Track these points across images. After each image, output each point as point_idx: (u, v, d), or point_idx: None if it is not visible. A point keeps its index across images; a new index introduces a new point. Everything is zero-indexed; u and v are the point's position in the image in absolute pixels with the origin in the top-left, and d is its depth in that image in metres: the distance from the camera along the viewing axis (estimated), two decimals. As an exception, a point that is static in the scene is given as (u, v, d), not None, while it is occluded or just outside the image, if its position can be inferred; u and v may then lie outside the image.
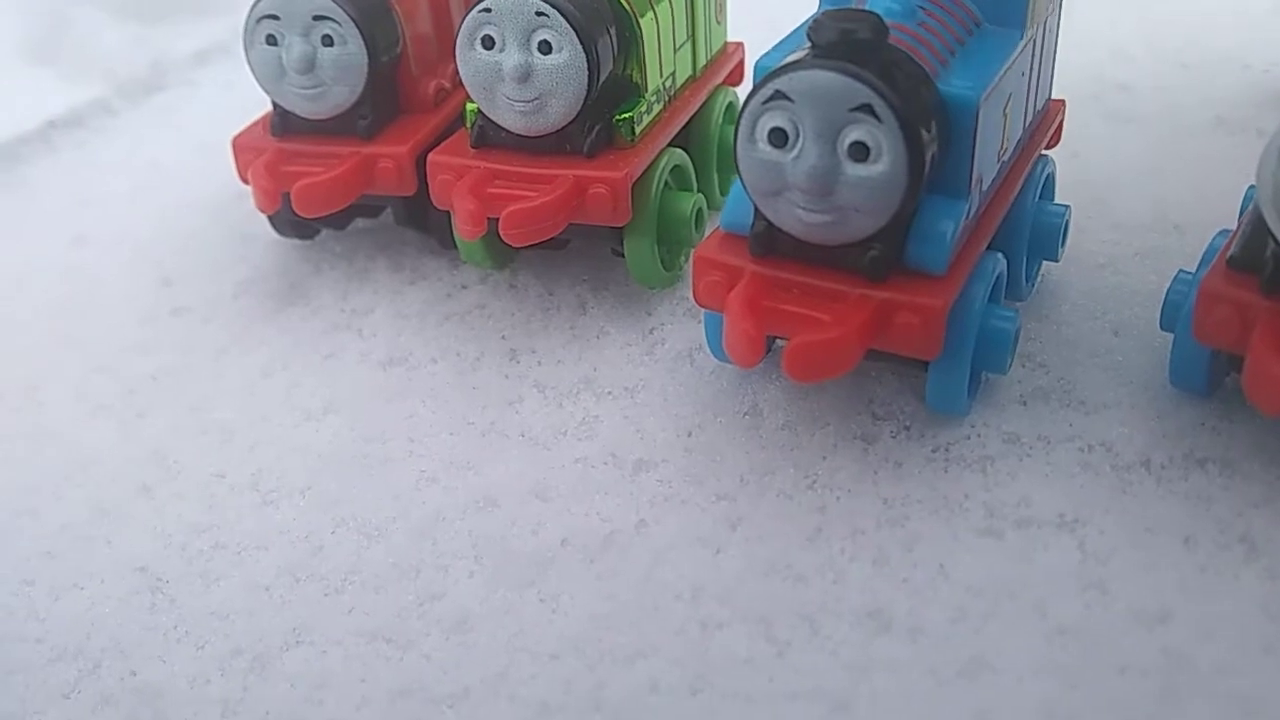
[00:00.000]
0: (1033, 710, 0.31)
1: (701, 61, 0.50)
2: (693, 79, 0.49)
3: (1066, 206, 0.44)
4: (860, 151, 0.34)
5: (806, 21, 0.38)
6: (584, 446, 0.40)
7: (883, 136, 0.33)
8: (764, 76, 0.35)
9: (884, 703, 0.31)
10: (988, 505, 0.36)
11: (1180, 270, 0.39)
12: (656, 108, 0.46)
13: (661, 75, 0.46)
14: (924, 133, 0.34)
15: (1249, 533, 0.35)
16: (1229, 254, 0.35)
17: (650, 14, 0.45)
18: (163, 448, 0.42)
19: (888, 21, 0.36)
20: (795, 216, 0.35)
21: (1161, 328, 0.39)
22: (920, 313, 0.35)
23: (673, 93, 0.47)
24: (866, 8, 0.37)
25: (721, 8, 0.52)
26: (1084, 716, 0.30)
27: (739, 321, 0.35)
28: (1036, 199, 0.43)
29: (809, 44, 0.34)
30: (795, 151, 0.34)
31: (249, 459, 0.41)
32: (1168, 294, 0.39)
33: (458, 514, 0.37)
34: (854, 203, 0.34)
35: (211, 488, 0.40)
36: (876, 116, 0.33)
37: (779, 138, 0.34)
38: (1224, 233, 0.39)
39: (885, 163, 0.34)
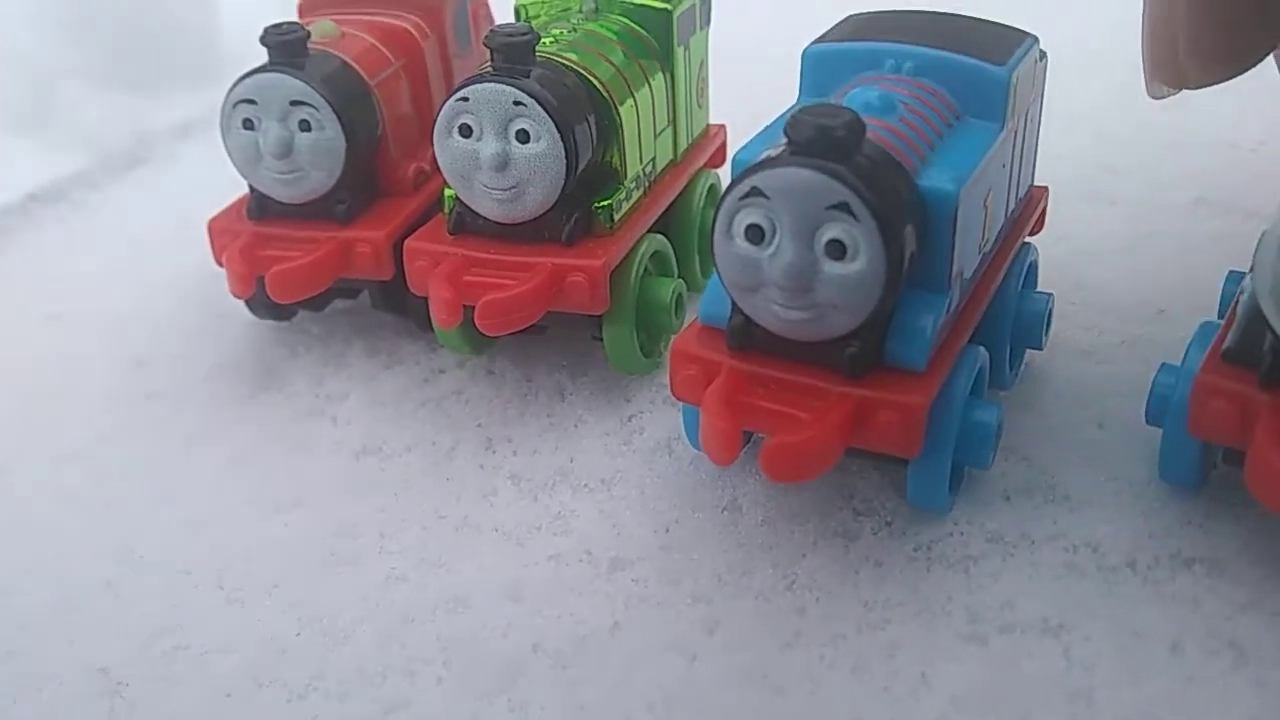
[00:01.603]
0: (1017, 831, 0.29)
1: (683, 145, 0.50)
2: (674, 163, 0.49)
3: (1049, 295, 0.44)
4: (837, 250, 0.33)
5: (787, 111, 0.38)
6: (559, 542, 0.39)
7: (860, 235, 0.33)
8: (741, 171, 0.34)
9: (864, 823, 0.30)
10: (970, 609, 0.35)
11: (1164, 363, 0.39)
12: (636, 194, 0.45)
13: (641, 161, 0.46)
14: (901, 230, 0.33)
15: (1237, 638, 0.34)
16: (1224, 347, 0.34)
17: (630, 101, 0.45)
18: (129, 541, 0.41)
19: (866, 117, 0.36)
20: (773, 312, 0.35)
21: (1148, 421, 0.38)
22: (900, 411, 0.34)
23: (653, 178, 0.47)
24: (845, 102, 0.37)
25: (703, 91, 0.51)
26: (1070, 838, 0.29)
27: (715, 419, 0.34)
28: (1019, 288, 0.42)
29: (786, 140, 0.34)
30: (772, 248, 0.34)
31: (215, 554, 0.40)
32: (1153, 387, 0.38)
33: (427, 615, 0.36)
34: (832, 300, 0.34)
35: (176, 585, 0.39)
36: (853, 215, 0.33)
37: (756, 234, 0.34)
38: (1208, 323, 0.38)
39: (863, 261, 0.33)
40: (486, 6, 0.55)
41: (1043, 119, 0.44)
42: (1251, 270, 0.34)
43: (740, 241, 0.34)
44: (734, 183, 0.34)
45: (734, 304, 0.36)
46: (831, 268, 0.33)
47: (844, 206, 0.33)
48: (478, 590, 0.37)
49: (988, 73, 0.38)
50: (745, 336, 0.36)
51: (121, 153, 0.71)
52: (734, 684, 0.34)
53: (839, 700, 0.33)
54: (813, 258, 0.33)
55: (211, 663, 0.36)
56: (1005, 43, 0.39)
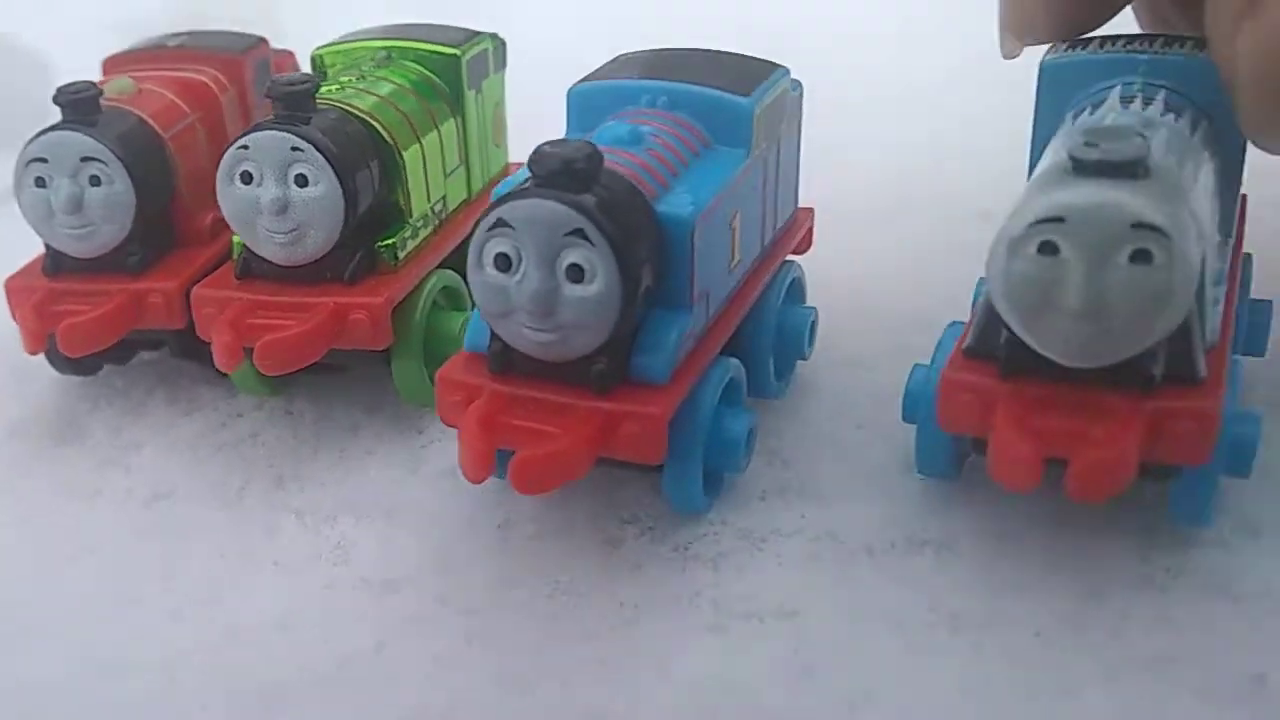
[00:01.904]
0: (743, 807, 0.31)
1: (477, 185, 0.52)
2: (468, 201, 0.51)
3: (813, 309, 0.46)
4: (577, 273, 0.35)
5: None
6: (335, 571, 0.40)
7: (596, 259, 0.35)
8: (490, 205, 0.36)
9: (599, 810, 0.31)
10: (716, 601, 0.37)
11: (916, 363, 0.41)
12: (424, 232, 0.47)
13: (430, 200, 0.48)
14: (637, 253, 0.35)
15: (957, 610, 0.36)
16: (965, 344, 0.37)
17: (415, 146, 0.46)
18: (-88, 595, 0.41)
19: (615, 149, 0.38)
20: (524, 336, 0.36)
21: (904, 419, 0.40)
22: (642, 422, 0.36)
23: (444, 216, 0.49)
24: (598, 136, 0.39)
25: (500, 131, 0.53)
26: (791, 810, 0.31)
27: (468, 439, 0.36)
28: (780, 303, 0.44)
29: (530, 173, 0.36)
30: (519, 275, 0.36)
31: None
32: (907, 386, 0.40)
33: (199, 649, 0.37)
34: (575, 321, 0.36)
35: (-44, 636, 0.39)
36: (589, 240, 0.35)
37: (504, 263, 0.36)
38: (955, 323, 0.40)
39: (600, 283, 0.35)
40: (292, 58, 0.56)
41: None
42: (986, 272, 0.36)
43: (490, 270, 0.36)
44: (482, 215, 0.36)
45: (492, 330, 0.38)
46: (572, 290, 0.35)
47: (580, 233, 0.35)
48: (250, 623, 0.38)
49: (733, 104, 0.41)
50: (504, 361, 0.38)
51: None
52: (489, 689, 0.35)
53: (583, 694, 0.34)
54: (555, 282, 0.35)
55: (-15, 707, 0.36)
56: (754, 75, 0.42)
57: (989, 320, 0.36)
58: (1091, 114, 0.38)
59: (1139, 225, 0.32)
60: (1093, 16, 0.43)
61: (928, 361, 0.40)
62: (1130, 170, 0.32)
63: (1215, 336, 0.36)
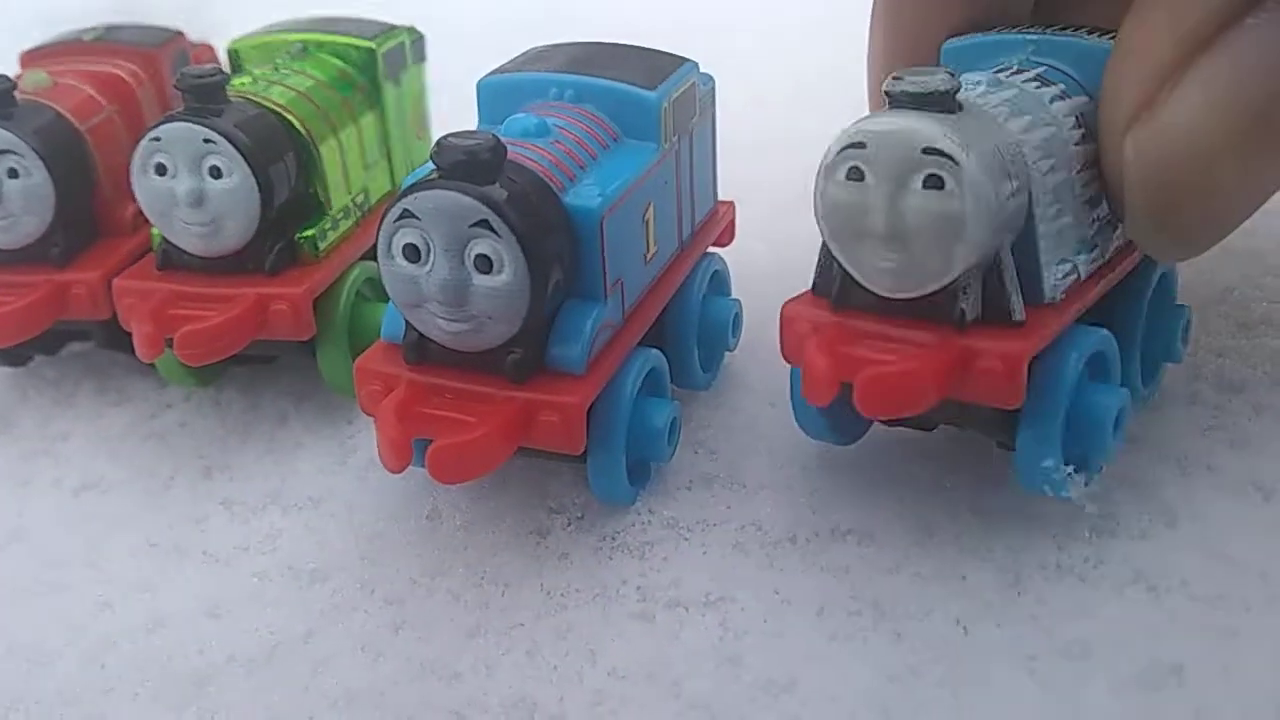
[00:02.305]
0: (657, 786, 0.32)
1: (400, 176, 0.52)
2: (390, 193, 0.51)
3: (737, 301, 0.47)
4: (485, 264, 0.36)
5: None
6: (263, 561, 0.40)
7: (503, 249, 0.35)
8: (396, 195, 0.37)
9: (519, 791, 0.32)
10: (642, 589, 0.38)
11: None
12: (345, 224, 0.47)
13: (350, 192, 0.48)
14: (544, 244, 0.36)
15: (879, 598, 0.37)
16: (813, 282, 0.38)
17: (331, 140, 0.47)
18: None
19: (521, 141, 0.39)
20: (437, 326, 0.37)
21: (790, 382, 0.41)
22: (559, 410, 0.37)
23: (366, 208, 0.49)
24: (505, 128, 0.40)
25: (422, 125, 0.54)
26: (704, 788, 0.32)
27: (386, 429, 0.37)
28: (702, 295, 0.45)
29: (434, 165, 0.36)
30: (428, 266, 0.36)
31: (-77, 595, 0.40)
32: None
33: (128, 637, 0.38)
34: (486, 311, 0.36)
35: (-119, 628, 0.39)
36: (495, 231, 0.35)
37: (412, 253, 0.36)
38: None
39: (508, 273, 0.36)
40: (211, 51, 0.56)
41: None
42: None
43: (400, 260, 0.37)
44: (389, 206, 0.36)
45: (407, 321, 0.38)
46: (481, 280, 0.36)
47: (485, 224, 0.35)
48: (180, 611, 0.39)
49: (640, 98, 0.41)
50: (420, 350, 0.38)
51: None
52: (415, 676, 0.36)
53: (510, 682, 0.35)
54: (465, 273, 0.36)
55: (-89, 698, 0.37)
56: (662, 69, 0.43)
57: (826, 256, 0.38)
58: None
59: (930, 150, 0.33)
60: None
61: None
62: (933, 102, 0.34)
63: (1056, 295, 0.36)
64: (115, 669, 0.37)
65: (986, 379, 0.35)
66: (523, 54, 0.45)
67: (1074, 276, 0.37)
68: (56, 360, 0.52)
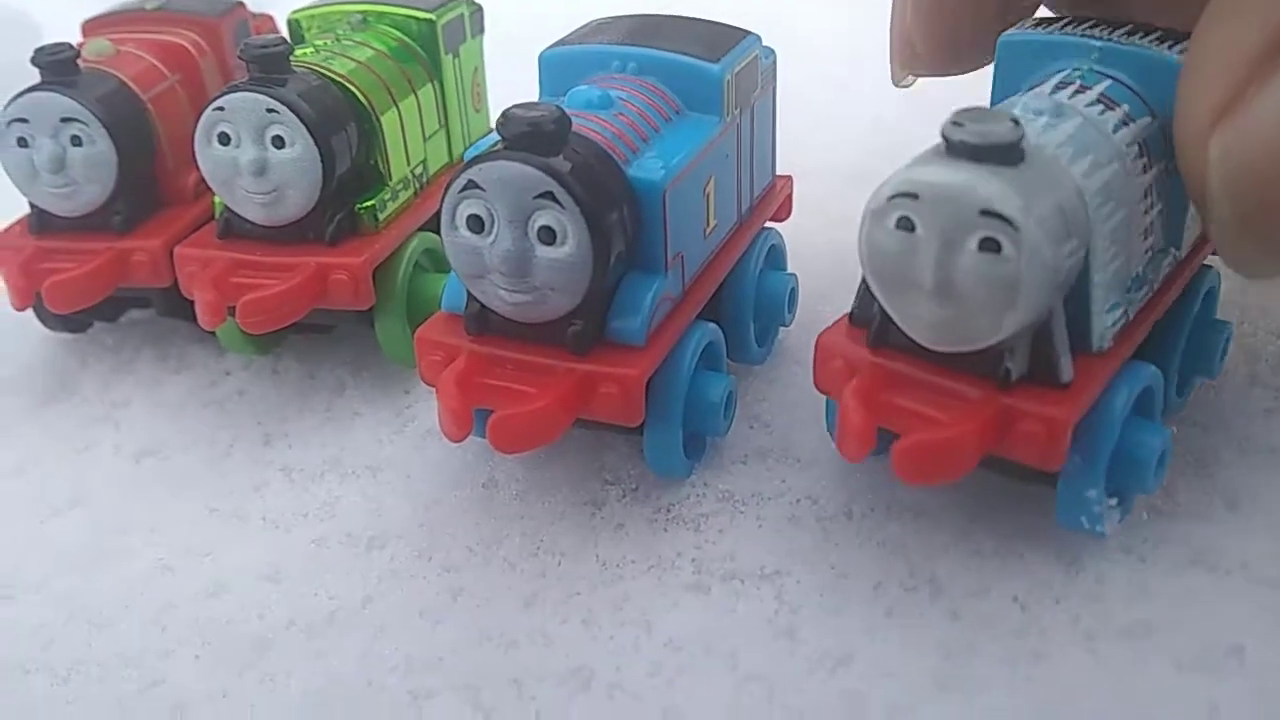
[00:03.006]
0: (715, 756, 0.32)
1: (459, 149, 0.52)
2: (449, 165, 0.51)
3: (793, 275, 0.47)
4: (548, 235, 0.36)
5: None
6: (322, 527, 0.41)
7: (567, 221, 0.35)
8: (461, 167, 0.37)
9: (577, 758, 0.32)
10: (697, 561, 0.38)
11: None
12: (404, 194, 0.48)
13: (410, 164, 0.48)
14: (608, 216, 0.36)
15: (936, 574, 0.37)
16: (850, 312, 0.37)
17: (392, 110, 0.47)
18: (-93, 551, 0.42)
19: (584, 113, 0.39)
20: (499, 297, 0.37)
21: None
22: (619, 383, 0.37)
23: (425, 180, 0.49)
24: (568, 100, 0.40)
25: (480, 97, 0.54)
26: (762, 759, 0.32)
27: (446, 399, 0.37)
28: (759, 270, 0.45)
29: (500, 136, 0.36)
30: (492, 237, 0.36)
31: (-10, 556, 0.41)
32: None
33: (188, 601, 0.38)
34: (548, 282, 0.36)
35: (-50, 587, 0.40)
36: (559, 203, 0.35)
37: (476, 224, 0.36)
38: None
39: (571, 245, 0.36)
40: (272, 21, 0.56)
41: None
42: None
43: (463, 231, 0.37)
44: (453, 177, 0.37)
45: (469, 292, 0.38)
46: (544, 252, 0.36)
47: (550, 195, 0.35)
48: (239, 576, 0.39)
49: (703, 70, 0.41)
50: (481, 321, 0.39)
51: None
52: (473, 643, 0.36)
53: (567, 651, 0.35)
54: (528, 244, 0.36)
55: (-22, 657, 0.37)
56: (724, 42, 0.42)
57: (866, 290, 0.36)
58: (1019, 96, 0.37)
59: (988, 213, 0.31)
60: (970, 55, 0.43)
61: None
62: (996, 155, 0.31)
63: (1104, 344, 0.35)
64: (176, 632, 0.37)
65: (1028, 441, 0.33)
66: (584, 26, 0.45)
67: (1124, 321, 0.36)
68: (116, 328, 0.53)
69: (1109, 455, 0.35)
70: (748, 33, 0.44)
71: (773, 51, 0.46)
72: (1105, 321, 0.35)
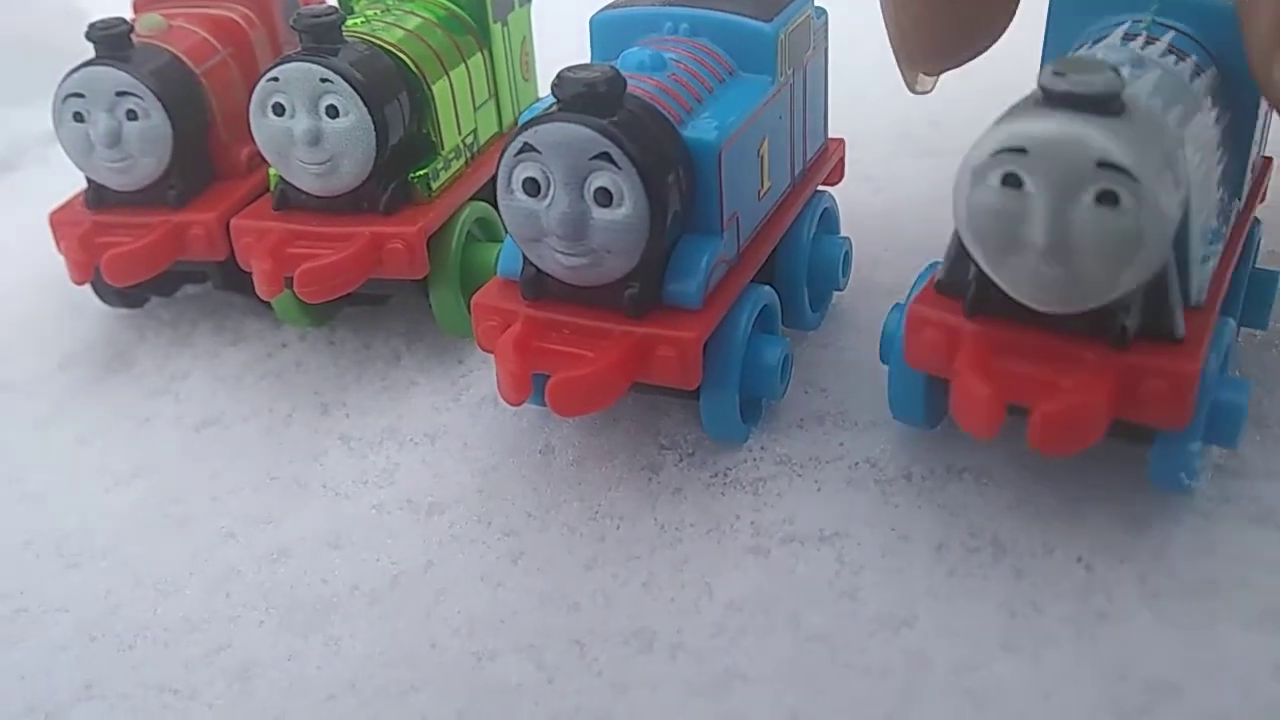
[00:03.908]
0: (779, 716, 0.32)
1: (508, 118, 0.52)
2: (499, 135, 0.51)
3: (846, 239, 0.47)
4: (605, 197, 0.36)
5: None
6: (381, 494, 0.41)
7: (623, 182, 0.35)
8: (516, 130, 0.37)
9: (641, 717, 0.32)
10: (756, 524, 0.38)
11: (896, 303, 0.40)
12: (456, 164, 0.48)
13: (461, 133, 0.48)
14: (664, 177, 0.36)
15: (998, 535, 0.37)
16: (937, 279, 0.36)
17: (444, 80, 0.47)
18: (-25, 519, 0.43)
19: (637, 73, 0.38)
20: (555, 260, 0.37)
21: (881, 360, 0.40)
22: (676, 345, 0.37)
23: (475, 149, 0.49)
24: (621, 62, 0.39)
25: (528, 66, 0.54)
26: (827, 719, 0.32)
27: (505, 363, 0.37)
28: (812, 233, 0.45)
29: (555, 98, 0.36)
30: (548, 200, 0.36)
31: (57, 525, 0.42)
32: (884, 326, 0.39)
33: (252, 567, 0.39)
34: (605, 245, 0.36)
35: (19, 555, 0.41)
36: (615, 164, 0.35)
37: (532, 187, 0.36)
38: (935, 263, 0.38)
39: (628, 206, 0.36)
40: (319, -6, 0.57)
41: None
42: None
43: (520, 195, 0.37)
44: (509, 140, 0.37)
45: (525, 256, 0.38)
46: (601, 214, 0.36)
47: (606, 156, 0.35)
48: (301, 541, 0.39)
49: (756, 30, 0.41)
50: (538, 286, 0.39)
51: (-9, 161, 0.73)
52: (535, 605, 0.36)
53: (629, 612, 0.35)
54: (584, 206, 0.36)
55: (49, 621, 0.38)
56: (776, 1, 0.42)
57: (960, 254, 0.34)
58: (1091, 50, 0.36)
59: (1105, 164, 0.30)
60: (969, 46, 0.42)
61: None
62: (1101, 105, 0.30)
63: (1202, 296, 0.34)
64: (240, 597, 0.38)
65: (1156, 401, 0.32)
66: (632, -11, 0.44)
67: (1213, 271, 0.35)
68: (172, 302, 0.53)
69: (1208, 410, 0.35)
70: (800, -8, 0.43)
71: (824, 11, 0.45)
72: (1202, 274, 0.34)
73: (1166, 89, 0.34)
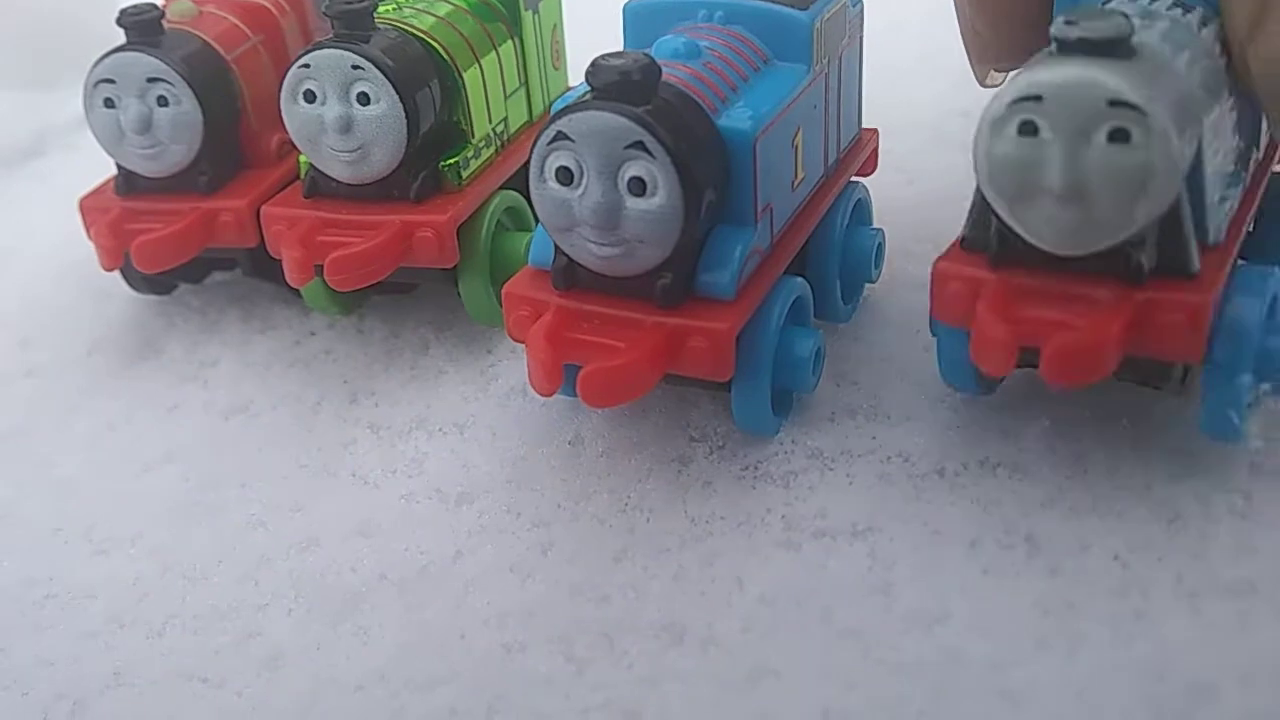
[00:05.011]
0: (811, 711, 0.32)
1: (538, 107, 0.52)
2: (529, 124, 0.51)
3: (879, 230, 0.46)
4: (638, 186, 0.35)
5: None
6: (410, 483, 0.41)
7: (657, 171, 0.35)
8: (550, 118, 0.36)
9: (671, 711, 0.32)
10: (787, 518, 0.38)
11: None
12: (486, 152, 0.47)
13: (491, 121, 0.48)
14: (698, 166, 0.35)
15: (1033, 532, 0.36)
16: (961, 236, 0.37)
17: (475, 67, 0.47)
18: (5, 506, 0.43)
19: (671, 62, 0.38)
20: (588, 250, 0.37)
21: (931, 332, 0.40)
22: (709, 337, 0.37)
23: (505, 138, 0.49)
24: (655, 49, 0.39)
25: (559, 55, 0.53)
26: (859, 716, 0.32)
27: (537, 353, 0.37)
28: (845, 224, 0.44)
29: (589, 86, 0.36)
30: (581, 189, 0.36)
31: (86, 511, 0.42)
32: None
33: (281, 555, 0.39)
34: (638, 235, 0.36)
35: (48, 541, 0.41)
36: (649, 153, 0.35)
37: (565, 176, 0.36)
38: None
39: (662, 196, 0.35)
40: (350, -18, 0.56)
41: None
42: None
43: (552, 184, 0.36)
44: (542, 129, 0.36)
45: (556, 246, 0.38)
46: (634, 204, 0.36)
47: (640, 145, 0.35)
48: (330, 530, 0.39)
49: (792, 18, 0.40)
50: (569, 276, 0.38)
51: (20, 147, 0.73)
52: (564, 597, 0.36)
53: (659, 605, 0.35)
54: (617, 195, 0.36)
55: (78, 608, 0.38)
56: (812, -10, 0.42)
57: (982, 210, 0.36)
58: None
59: (1116, 103, 0.31)
60: (1041, 30, 0.42)
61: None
62: (1111, 49, 0.32)
63: (1220, 236, 0.35)
64: (269, 585, 0.38)
65: (1170, 334, 0.33)
66: (667, -23, 0.44)
67: (1231, 214, 0.36)
68: (201, 290, 0.53)
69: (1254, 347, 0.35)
70: (834, -19, 0.43)
71: (860, 0, 0.45)
72: (1219, 214, 0.35)
73: (1174, 36, 0.35)
